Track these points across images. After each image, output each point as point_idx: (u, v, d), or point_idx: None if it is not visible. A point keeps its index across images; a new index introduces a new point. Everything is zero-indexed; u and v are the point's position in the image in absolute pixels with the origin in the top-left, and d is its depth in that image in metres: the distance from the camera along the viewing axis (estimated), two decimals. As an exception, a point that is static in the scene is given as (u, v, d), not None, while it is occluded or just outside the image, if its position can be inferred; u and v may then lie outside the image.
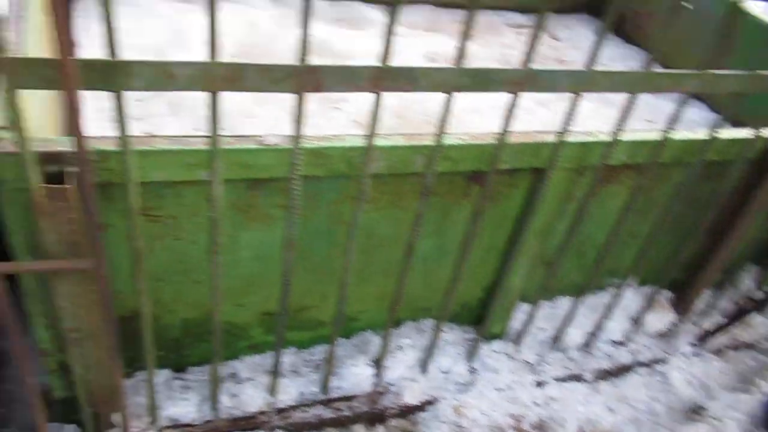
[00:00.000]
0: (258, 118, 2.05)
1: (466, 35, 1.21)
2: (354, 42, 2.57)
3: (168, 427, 1.77)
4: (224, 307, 1.74)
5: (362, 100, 2.24)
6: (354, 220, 1.46)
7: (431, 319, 2.03)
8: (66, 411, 1.77)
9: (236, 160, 1.36)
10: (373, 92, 1.20)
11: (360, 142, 1.42)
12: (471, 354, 2.04)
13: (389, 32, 1.12)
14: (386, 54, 1.16)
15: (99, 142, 1.26)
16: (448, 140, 1.53)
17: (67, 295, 1.43)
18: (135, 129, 2.10)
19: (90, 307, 1.51)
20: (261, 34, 2.50)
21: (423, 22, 3.03)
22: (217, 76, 1.11)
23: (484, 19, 3.50)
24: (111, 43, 1.03)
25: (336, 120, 2.09)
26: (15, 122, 1.08)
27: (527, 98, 2.76)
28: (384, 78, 1.19)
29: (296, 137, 1.25)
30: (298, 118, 1.22)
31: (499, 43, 3.24)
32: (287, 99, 2.33)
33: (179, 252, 1.56)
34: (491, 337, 2.12)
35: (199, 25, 2.58)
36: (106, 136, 1.26)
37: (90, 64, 1.04)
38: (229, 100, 2.14)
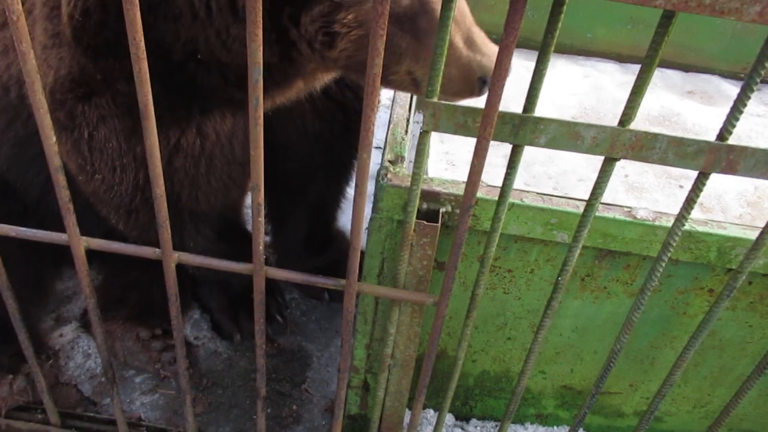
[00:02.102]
0: (590, 183, 1.97)
1: None
2: (707, 117, 2.37)
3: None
4: (525, 370, 1.68)
5: (710, 181, 2.03)
6: (709, 317, 1.30)
7: (752, 443, 1.73)
8: (353, 427, 1.86)
9: (599, 228, 1.29)
10: (796, 184, 1.05)
11: (743, 234, 1.26)
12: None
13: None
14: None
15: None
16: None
17: (398, 323, 1.50)
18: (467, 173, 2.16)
19: (411, 339, 1.56)
20: (604, 99, 2.45)
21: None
22: (623, 143, 1.06)
23: None
24: (530, 98, 1.04)
25: (675, 198, 1.93)
26: (417, 162, 1.16)
27: None
28: (813, 169, 1.03)
29: (680, 217, 1.14)
30: (692, 198, 1.11)
31: None
32: (622, 165, 2.19)
33: (502, 305, 1.55)
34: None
35: (550, 83, 2.60)
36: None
37: (502, 116, 1.07)
38: (564, 158, 2.11)
